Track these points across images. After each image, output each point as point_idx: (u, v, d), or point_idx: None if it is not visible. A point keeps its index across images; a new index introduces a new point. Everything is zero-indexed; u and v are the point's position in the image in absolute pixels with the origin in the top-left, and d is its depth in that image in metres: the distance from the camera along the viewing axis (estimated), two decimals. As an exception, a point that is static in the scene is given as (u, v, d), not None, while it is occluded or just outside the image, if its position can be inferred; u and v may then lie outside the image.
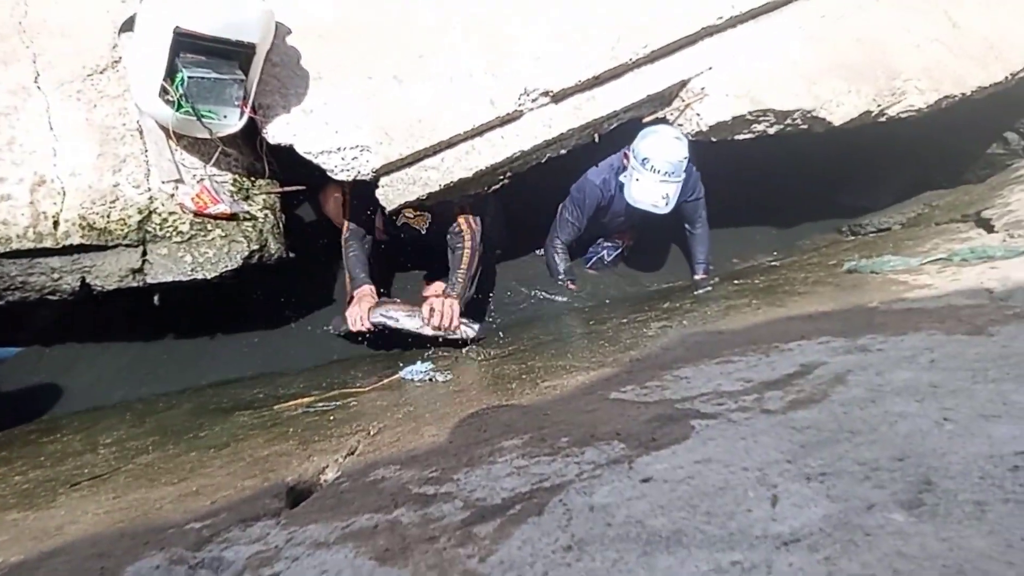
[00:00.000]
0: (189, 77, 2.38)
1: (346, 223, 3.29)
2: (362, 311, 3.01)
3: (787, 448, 1.16)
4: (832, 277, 2.57)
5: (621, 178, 3.39)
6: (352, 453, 1.58)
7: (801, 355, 1.62)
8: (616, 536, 0.98)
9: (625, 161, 3.34)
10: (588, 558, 0.94)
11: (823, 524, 0.93)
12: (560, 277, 3.81)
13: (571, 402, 1.61)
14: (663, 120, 3.33)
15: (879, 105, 3.38)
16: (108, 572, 1.12)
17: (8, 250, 2.39)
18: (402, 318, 3.01)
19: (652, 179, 3.21)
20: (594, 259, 4.00)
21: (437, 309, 2.96)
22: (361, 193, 3.12)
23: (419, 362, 2.62)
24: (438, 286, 3.69)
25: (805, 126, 3.38)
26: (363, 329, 3.02)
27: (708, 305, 2.57)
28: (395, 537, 1.09)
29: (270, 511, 1.26)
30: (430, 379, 2.33)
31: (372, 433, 1.71)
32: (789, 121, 3.35)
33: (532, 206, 3.87)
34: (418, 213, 3.41)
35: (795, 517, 0.96)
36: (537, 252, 4.08)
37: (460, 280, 3.11)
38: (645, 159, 3.21)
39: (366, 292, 3.14)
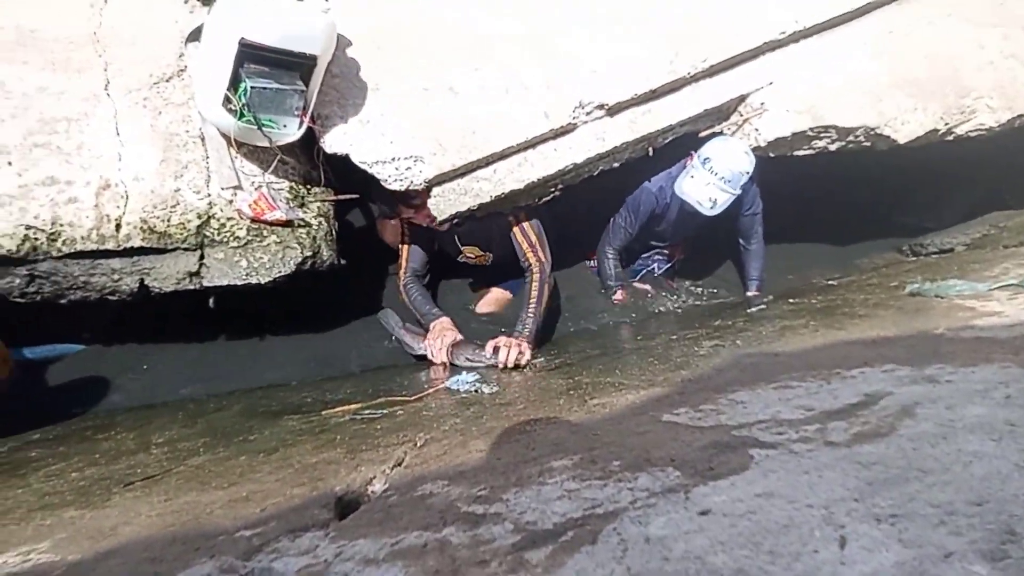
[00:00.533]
0: (252, 87, 2.42)
1: (402, 270, 3.31)
2: (445, 345, 2.97)
3: (854, 485, 1.11)
4: (894, 300, 2.47)
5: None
6: (399, 464, 1.57)
7: (864, 383, 1.55)
8: (674, 572, 0.94)
9: (688, 161, 3.30)
10: (645, 594, 0.91)
11: (896, 571, 0.88)
12: (611, 283, 3.78)
13: (621, 422, 1.58)
14: (719, 134, 3.27)
15: (947, 123, 3.26)
16: (161, 578, 1.13)
17: (73, 251, 2.47)
18: (463, 360, 2.90)
19: (706, 178, 3.17)
20: (644, 272, 3.95)
21: (503, 347, 2.76)
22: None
23: (464, 372, 2.61)
24: (495, 293, 3.69)
25: (868, 143, 3.29)
26: (442, 362, 2.97)
27: (763, 325, 2.49)
28: (445, 558, 1.07)
29: (319, 522, 1.25)
30: (476, 390, 2.31)
31: (419, 444, 1.70)
32: (852, 138, 3.26)
33: (580, 218, 3.83)
34: (479, 254, 3.41)
35: (865, 562, 0.91)
36: (587, 263, 4.05)
37: (530, 317, 2.94)
38: (707, 159, 3.17)
39: (447, 325, 3.12)
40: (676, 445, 1.34)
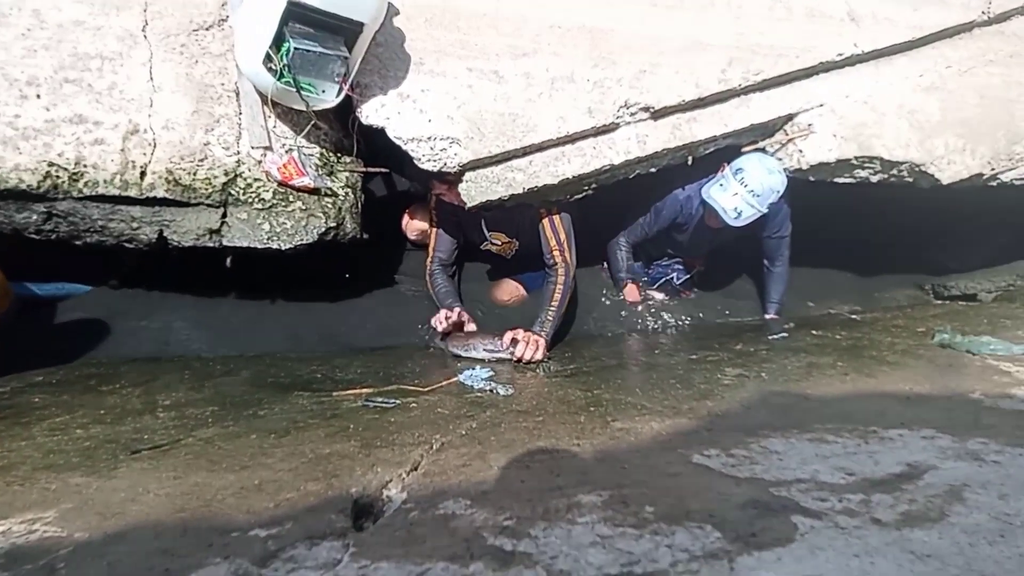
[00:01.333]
0: (295, 48, 2.34)
1: (429, 258, 3.28)
2: (451, 317, 2.97)
3: (908, 579, 1.05)
4: (923, 348, 2.43)
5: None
6: (415, 468, 1.53)
7: (905, 450, 1.50)
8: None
9: (721, 172, 3.23)
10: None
11: None
12: (621, 275, 3.73)
13: (649, 457, 1.53)
14: (762, 151, 3.20)
15: (993, 169, 3.19)
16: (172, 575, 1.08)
17: (94, 193, 2.41)
18: (482, 351, 2.83)
19: (735, 188, 3.10)
20: (662, 280, 3.88)
21: (521, 342, 2.73)
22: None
23: (478, 367, 2.56)
24: (509, 284, 3.63)
25: (911, 179, 3.22)
26: (440, 328, 2.99)
27: (787, 357, 2.44)
28: (472, 600, 1.02)
29: (336, 530, 1.21)
30: (491, 390, 2.27)
31: (435, 448, 1.65)
32: (895, 172, 3.19)
33: (606, 219, 3.75)
34: (506, 241, 3.34)
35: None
36: (605, 266, 3.99)
37: (550, 319, 2.91)
38: (739, 170, 3.11)
39: (456, 310, 3.08)
40: (712, 497, 1.29)
